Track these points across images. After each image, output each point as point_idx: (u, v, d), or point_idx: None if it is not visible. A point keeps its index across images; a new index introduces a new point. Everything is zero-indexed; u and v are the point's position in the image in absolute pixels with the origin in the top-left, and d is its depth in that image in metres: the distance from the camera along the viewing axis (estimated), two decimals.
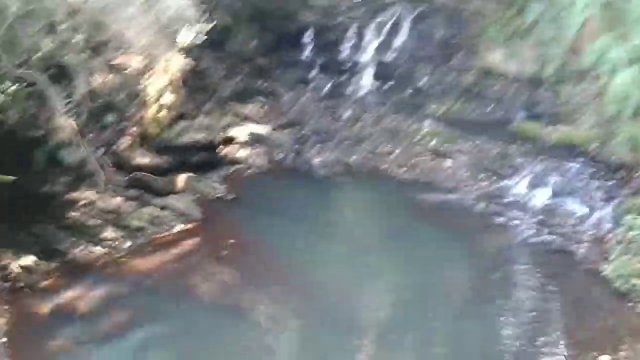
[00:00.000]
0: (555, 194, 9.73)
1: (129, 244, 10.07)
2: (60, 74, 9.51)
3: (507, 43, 13.11)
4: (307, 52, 18.07)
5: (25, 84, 9.20)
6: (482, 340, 8.04)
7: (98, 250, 9.86)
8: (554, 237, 8.95)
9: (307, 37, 18.04)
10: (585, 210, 9.23)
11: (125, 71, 10.92)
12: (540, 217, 9.43)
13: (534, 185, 10.05)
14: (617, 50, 8.03)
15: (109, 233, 10.16)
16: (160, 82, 12.00)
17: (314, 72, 17.36)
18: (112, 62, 10.65)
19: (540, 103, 12.34)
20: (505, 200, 10.07)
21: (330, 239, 10.32)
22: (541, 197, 9.83)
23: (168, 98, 12.17)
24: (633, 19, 7.52)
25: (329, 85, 16.80)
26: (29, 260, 9.33)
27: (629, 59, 7.91)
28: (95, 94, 9.86)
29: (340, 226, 10.96)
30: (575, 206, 9.37)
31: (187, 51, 12.86)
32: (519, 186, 10.19)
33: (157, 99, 11.85)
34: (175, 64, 12.42)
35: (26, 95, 9.35)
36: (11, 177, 8.78)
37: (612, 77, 8.25)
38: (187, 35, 12.15)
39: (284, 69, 17.45)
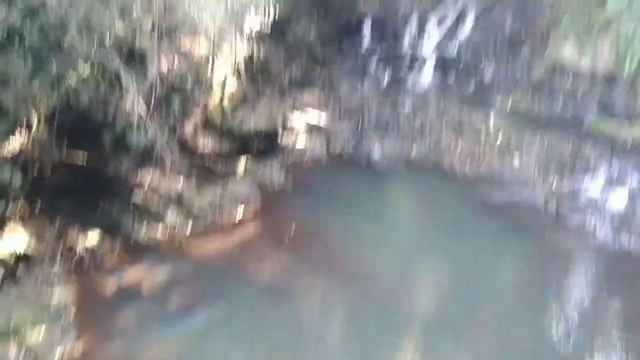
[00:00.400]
0: (633, 197, 9.23)
1: (190, 227, 10.17)
2: (132, 58, 9.64)
3: (581, 36, 12.58)
4: (366, 43, 17.87)
5: (97, 66, 9.41)
6: (538, 349, 7.71)
7: (161, 231, 10.00)
8: (633, 242, 8.49)
9: (367, 27, 17.87)
10: None
11: (193, 56, 11.00)
12: (618, 220, 8.95)
13: (610, 186, 9.57)
14: None
15: (172, 215, 10.28)
16: (225, 68, 12.07)
17: (373, 63, 17.16)
18: (181, 47, 10.74)
19: (616, 101, 11.80)
20: (580, 201, 9.61)
21: (390, 232, 10.13)
22: (618, 200, 9.34)
23: (232, 84, 12.23)
24: None
25: (388, 77, 16.55)
26: (94, 238, 9.56)
27: None
28: (163, 78, 9.92)
29: (401, 220, 10.77)
30: None
31: (250, 38, 12.90)
32: (594, 187, 9.71)
33: (222, 85, 11.92)
34: (239, 50, 12.47)
35: (99, 77, 9.55)
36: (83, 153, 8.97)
37: None
38: (254, 22, 12.16)
39: (342, 59, 17.31)
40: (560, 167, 10.37)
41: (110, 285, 8.60)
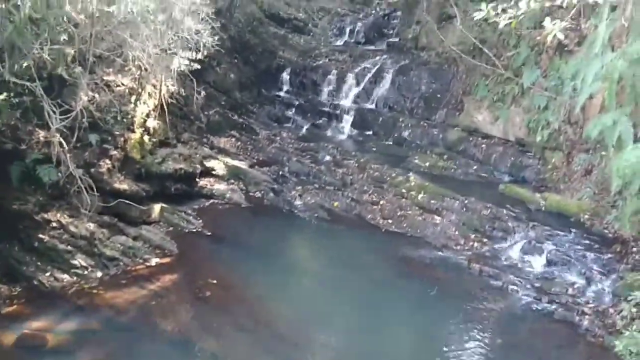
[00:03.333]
0: (550, 262, 9.65)
1: (100, 274, 9.42)
2: (52, 87, 8.93)
3: (495, 105, 13.33)
4: (285, 91, 18.00)
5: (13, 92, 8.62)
6: None
7: (66, 277, 9.17)
8: (554, 306, 8.78)
9: (286, 75, 18.01)
10: (583, 281, 9.18)
11: (117, 89, 10.40)
12: (538, 284, 9.27)
13: (527, 251, 9.96)
14: (626, 126, 8.15)
15: (79, 260, 9.46)
16: (148, 105, 11.54)
17: (291, 112, 17.26)
18: (105, 79, 10.13)
19: (526, 168, 12.52)
20: (500, 263, 9.94)
21: (310, 287, 9.95)
22: (536, 264, 9.74)
23: (153, 123, 11.68)
24: None
25: (307, 127, 16.70)
26: None
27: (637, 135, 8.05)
28: (83, 110, 9.23)
29: (324, 273, 10.55)
30: (572, 277, 9.29)
31: (174, 77, 12.50)
32: (512, 250, 10.10)
33: (143, 123, 11.34)
34: (163, 88, 12.01)
35: (12, 105, 8.74)
36: None
37: (619, 152, 8.34)
38: (180, 61, 11.81)
39: (260, 105, 17.27)
40: (479, 230, 10.69)
41: (10, 337, 7.64)
